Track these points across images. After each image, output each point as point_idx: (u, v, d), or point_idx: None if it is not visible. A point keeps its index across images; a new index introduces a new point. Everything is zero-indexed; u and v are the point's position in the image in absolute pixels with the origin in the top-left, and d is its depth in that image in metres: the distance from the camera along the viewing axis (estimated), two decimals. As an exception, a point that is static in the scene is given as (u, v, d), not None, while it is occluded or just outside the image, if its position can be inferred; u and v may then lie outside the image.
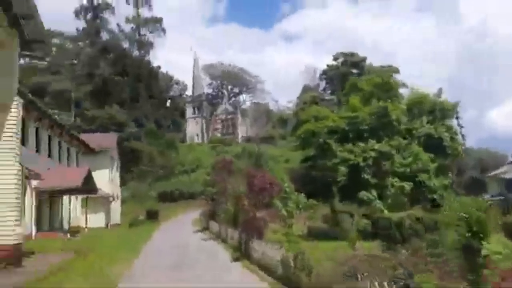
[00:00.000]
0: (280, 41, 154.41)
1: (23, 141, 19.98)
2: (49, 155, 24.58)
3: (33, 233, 20.56)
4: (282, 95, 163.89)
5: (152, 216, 39.70)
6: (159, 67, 75.20)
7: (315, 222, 21.17)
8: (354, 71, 68.25)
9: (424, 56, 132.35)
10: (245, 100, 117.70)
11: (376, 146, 18.13)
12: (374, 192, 16.62)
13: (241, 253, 13.11)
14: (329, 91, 71.86)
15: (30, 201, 20.48)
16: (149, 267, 12.22)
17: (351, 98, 22.31)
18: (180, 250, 16.53)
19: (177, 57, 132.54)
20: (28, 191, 20.38)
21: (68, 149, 28.84)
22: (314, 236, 16.62)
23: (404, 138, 19.64)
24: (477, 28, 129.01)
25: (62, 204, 25.33)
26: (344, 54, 73.10)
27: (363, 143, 18.77)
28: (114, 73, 61.42)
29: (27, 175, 17.77)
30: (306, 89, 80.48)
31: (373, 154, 17.89)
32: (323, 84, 79.05)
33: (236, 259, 12.45)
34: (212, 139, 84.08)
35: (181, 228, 29.89)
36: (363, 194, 16.71)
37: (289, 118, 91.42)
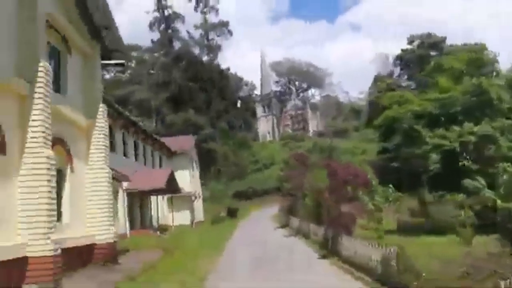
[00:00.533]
0: (346, 32, 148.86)
1: (112, 147, 21.62)
2: (136, 159, 26.32)
3: (128, 232, 22.08)
4: (352, 87, 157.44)
5: (232, 213, 40.68)
6: (228, 69, 77.09)
7: (402, 216, 19.54)
8: (433, 53, 62.71)
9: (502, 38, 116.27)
10: (314, 94, 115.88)
11: (476, 129, 15.81)
12: (482, 180, 14.44)
13: (328, 250, 12.42)
14: (405, 77, 67.03)
15: (122, 201, 22.02)
16: (234, 264, 12.16)
17: (439, 78, 19.79)
18: (264, 247, 16.36)
19: (244, 58, 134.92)
20: (120, 192, 21.93)
21: (152, 153, 30.70)
22: (405, 231, 15.18)
23: (507, 118, 16.94)
24: None
25: (150, 203, 26.94)
26: (419, 36, 67.62)
27: (457, 127, 16.55)
28: (187, 79, 64.36)
29: (117, 178, 19.04)
30: (378, 77, 76.11)
31: (472, 138, 15.61)
32: (397, 70, 74.07)
33: (323, 256, 11.79)
34: (283, 136, 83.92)
35: (261, 225, 30.00)
36: (468, 183, 14.58)
37: (362, 109, 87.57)
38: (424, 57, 60.84)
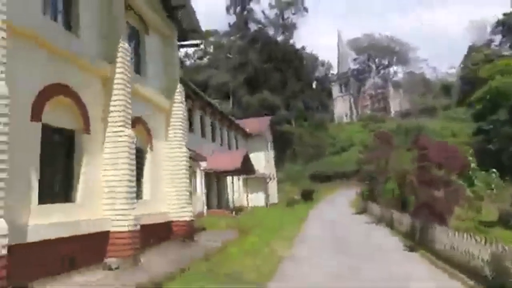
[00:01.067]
0: (431, 1, 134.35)
1: (190, 127, 22.26)
2: (213, 140, 26.93)
3: (205, 211, 22.79)
4: (441, 64, 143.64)
5: (307, 196, 40.00)
6: (303, 48, 75.07)
7: (505, 205, 16.99)
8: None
9: None
10: (396, 71, 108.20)
11: None
12: None
13: (415, 241, 11.12)
14: (507, 45, 58.44)
15: (200, 181, 22.71)
16: (310, 250, 11.53)
17: None
18: (341, 233, 15.47)
19: (321, 37, 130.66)
20: (198, 172, 22.61)
21: (228, 134, 31.24)
22: (508, 223, 13.03)
23: None
24: None
25: (226, 184, 27.51)
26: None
27: None
28: (263, 60, 64.18)
29: (194, 158, 19.54)
30: (473, 48, 67.60)
31: None
32: (497, 39, 65.03)
33: (410, 249, 10.56)
34: (362, 117, 79.96)
35: (337, 210, 28.88)
36: None
37: (453, 86, 79.37)
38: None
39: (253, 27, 68.32)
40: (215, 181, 25.70)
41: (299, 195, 40.97)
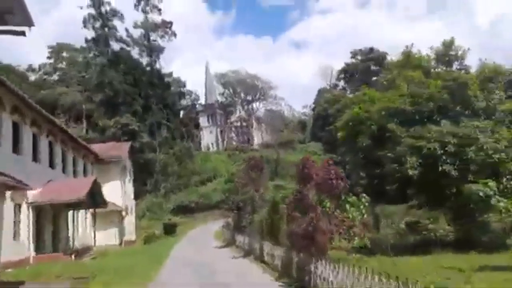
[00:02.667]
0: (290, 49, 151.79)
1: (15, 147, 17.05)
2: (51, 165, 21.56)
3: (31, 256, 17.45)
4: (296, 102, 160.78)
5: (170, 230, 36.43)
6: (170, 74, 72.61)
7: (373, 231, 17.53)
8: (374, 68, 64.41)
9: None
10: (259, 107, 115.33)
11: (459, 129, 14.20)
12: (493, 185, 12.42)
13: (292, 278, 9.53)
14: (349, 90, 67.99)
15: (26, 217, 17.41)
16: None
17: (410, 73, 17.98)
18: (207, 273, 13.02)
19: (188, 69, 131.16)
20: (24, 206, 17.32)
21: (74, 159, 25.85)
22: (381, 250, 12.86)
23: (485, 119, 15.74)
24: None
25: (67, 220, 22.21)
26: (361, 52, 69.53)
27: (434, 126, 14.87)
28: (125, 82, 59.11)
29: (16, 187, 14.66)
30: (322, 91, 76.88)
31: (452, 139, 13.90)
32: (340, 84, 75.35)
33: (289, 288, 8.85)
34: (228, 147, 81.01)
35: (203, 243, 26.40)
36: (475, 189, 12.54)
37: (306, 122, 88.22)
38: (367, 71, 62.20)
39: (114, 45, 62.86)
40: (52, 216, 20.33)
41: (161, 230, 37.08)
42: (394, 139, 15.26)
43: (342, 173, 10.29)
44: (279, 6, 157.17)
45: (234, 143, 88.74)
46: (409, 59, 19.54)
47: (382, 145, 15.51)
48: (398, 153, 14.72)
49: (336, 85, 73.94)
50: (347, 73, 69.27)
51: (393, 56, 26.74)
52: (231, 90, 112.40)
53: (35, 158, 19.33)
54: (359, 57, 69.79)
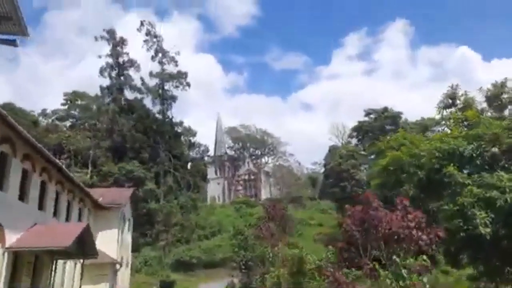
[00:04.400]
0: (298, 110, 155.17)
1: (-1, 182, 15.02)
2: (40, 207, 19.27)
3: (-1, 315, 14.61)
4: (305, 160, 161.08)
5: (167, 288, 32.77)
6: (181, 123, 72.10)
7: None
8: (389, 127, 63.30)
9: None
10: (268, 162, 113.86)
11: None
12: None
13: None
14: (363, 148, 66.31)
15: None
16: None
17: (467, 111, 16.01)
18: None
19: (199, 126, 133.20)
20: (-1, 251, 14.85)
21: (69, 202, 23.56)
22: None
23: None
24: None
25: (51, 270, 19.40)
26: (375, 111, 68.96)
27: (503, 173, 12.41)
28: (135, 129, 58.47)
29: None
30: (334, 148, 75.29)
31: None
32: (353, 141, 73.88)
33: None
34: (235, 200, 78.04)
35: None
36: None
37: (317, 178, 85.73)
38: (382, 129, 60.91)
39: (128, 94, 63.36)
40: (32, 265, 17.65)
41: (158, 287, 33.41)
42: (453, 187, 12.63)
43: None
44: (289, 70, 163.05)
45: (240, 196, 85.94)
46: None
47: (435, 195, 12.94)
48: (461, 206, 11.96)
49: (348, 143, 72.46)
50: (360, 131, 68.09)
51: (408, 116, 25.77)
52: (240, 144, 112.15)
53: (22, 197, 17.16)
54: (372, 116, 69.03)
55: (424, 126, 37.62)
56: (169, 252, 49.97)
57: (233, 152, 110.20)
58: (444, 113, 17.18)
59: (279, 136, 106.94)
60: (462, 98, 17.00)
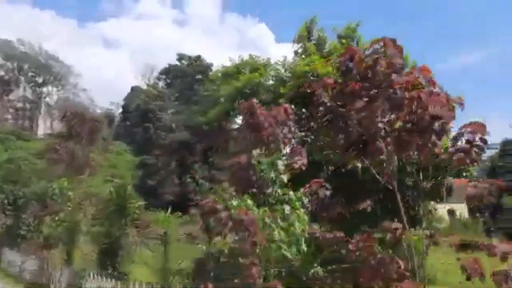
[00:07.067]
0: (98, 42, 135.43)
1: None
2: None
3: None
4: (99, 100, 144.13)
5: None
6: None
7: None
8: (199, 75, 62.77)
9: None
10: (51, 92, 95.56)
11: None
12: None
13: None
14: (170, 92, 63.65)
15: None
16: None
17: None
18: None
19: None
20: None
21: None
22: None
23: None
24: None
25: None
26: (188, 57, 66.95)
27: None
28: None
29: None
30: (137, 89, 69.56)
31: None
32: (160, 84, 70.10)
33: None
34: (1, 130, 61.26)
35: None
36: None
37: (114, 118, 78.49)
38: (192, 76, 59.67)
39: None
40: None
41: None
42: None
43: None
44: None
45: (10, 127, 68.78)
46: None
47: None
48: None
49: (156, 84, 68.21)
50: (169, 74, 64.92)
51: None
52: (15, 64, 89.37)
53: None
54: (184, 62, 66.68)
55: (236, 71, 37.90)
56: None
57: (4, 73, 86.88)
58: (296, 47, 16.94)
59: (71, 64, 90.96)
60: (316, 34, 16.91)
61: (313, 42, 16.42)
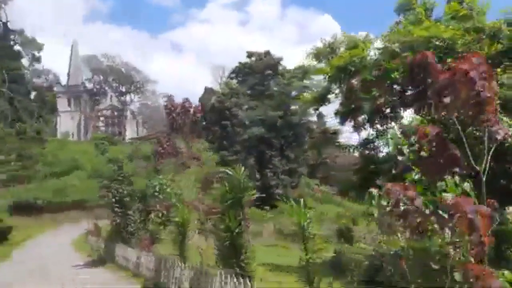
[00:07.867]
0: (169, 50, 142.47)
1: None
2: None
3: None
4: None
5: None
6: (22, 32, 55.92)
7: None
8: (269, 71, 62.46)
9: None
10: (134, 100, 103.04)
11: None
12: None
13: None
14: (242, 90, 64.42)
15: None
16: None
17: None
18: None
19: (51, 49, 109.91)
20: None
21: None
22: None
23: None
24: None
25: None
26: (258, 54, 66.96)
27: None
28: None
29: None
30: (210, 90, 71.61)
31: None
32: (233, 83, 71.25)
33: None
34: (95, 136, 67.61)
35: (56, 258, 16.97)
36: None
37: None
38: (262, 73, 59.61)
39: None
40: None
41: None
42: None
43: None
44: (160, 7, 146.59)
45: (100, 133, 75.49)
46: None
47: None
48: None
49: (229, 83, 69.65)
50: (241, 72, 65.52)
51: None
52: (101, 77, 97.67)
53: None
54: (253, 59, 66.81)
55: (305, 70, 36.68)
56: (6, 191, 39.52)
57: (92, 85, 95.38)
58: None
59: (147, 73, 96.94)
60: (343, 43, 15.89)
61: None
